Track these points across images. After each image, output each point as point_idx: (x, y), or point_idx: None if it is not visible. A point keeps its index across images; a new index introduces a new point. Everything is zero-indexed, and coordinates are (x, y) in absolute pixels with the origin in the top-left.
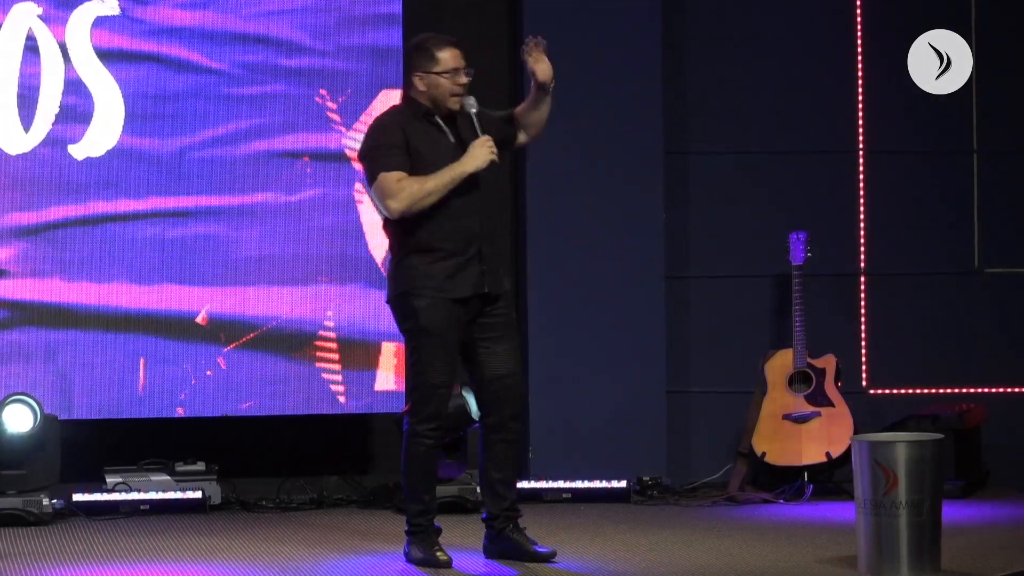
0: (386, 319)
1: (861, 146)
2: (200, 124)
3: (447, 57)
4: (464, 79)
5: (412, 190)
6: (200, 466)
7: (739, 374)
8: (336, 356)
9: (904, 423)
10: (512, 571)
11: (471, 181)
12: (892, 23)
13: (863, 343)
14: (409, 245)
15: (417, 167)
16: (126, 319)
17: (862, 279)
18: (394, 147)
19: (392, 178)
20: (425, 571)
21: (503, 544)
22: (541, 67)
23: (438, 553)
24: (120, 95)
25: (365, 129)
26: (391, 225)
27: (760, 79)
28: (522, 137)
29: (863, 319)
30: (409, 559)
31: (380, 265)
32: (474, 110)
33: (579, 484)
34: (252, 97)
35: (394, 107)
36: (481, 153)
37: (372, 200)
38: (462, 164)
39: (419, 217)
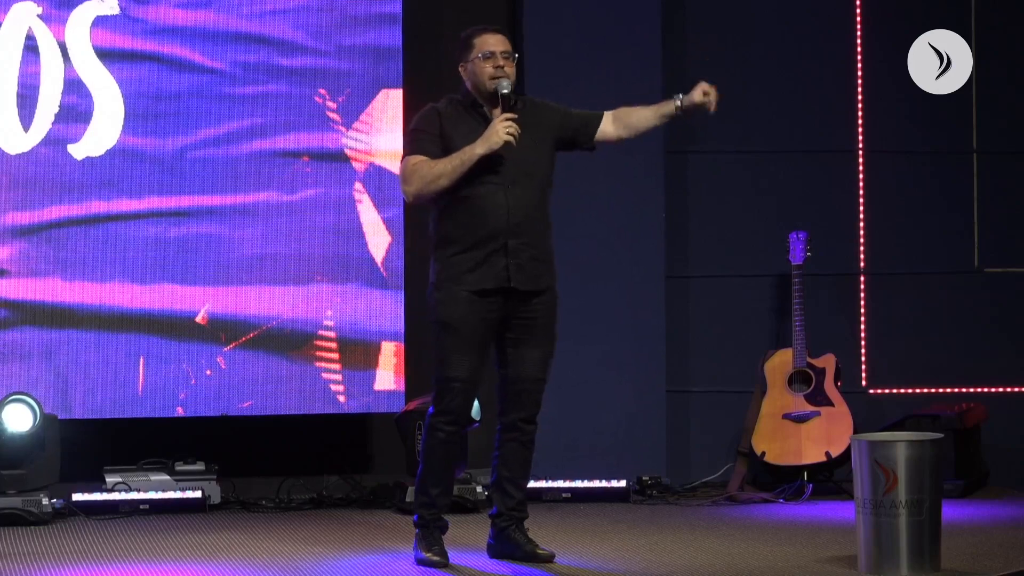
0: (385, 318)
1: (861, 146)
2: (199, 124)
3: (481, 42)
4: (501, 61)
5: (422, 172)
6: (200, 466)
7: (739, 374)
8: (336, 356)
9: (904, 423)
10: (512, 570)
11: (509, 174)
12: (892, 23)
13: (863, 343)
14: (438, 236)
15: (453, 151)
16: (125, 319)
17: (862, 279)
18: (424, 132)
19: (411, 162)
20: (426, 569)
21: (504, 544)
22: (711, 101)
23: (431, 552)
24: (119, 94)
25: (364, 129)
26: (429, 215)
27: (760, 79)
28: (613, 133)
29: (863, 319)
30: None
31: (379, 264)
32: (505, 91)
33: (579, 484)
34: (251, 97)
35: (447, 96)
36: (493, 134)
37: None
38: (473, 146)
39: (448, 207)
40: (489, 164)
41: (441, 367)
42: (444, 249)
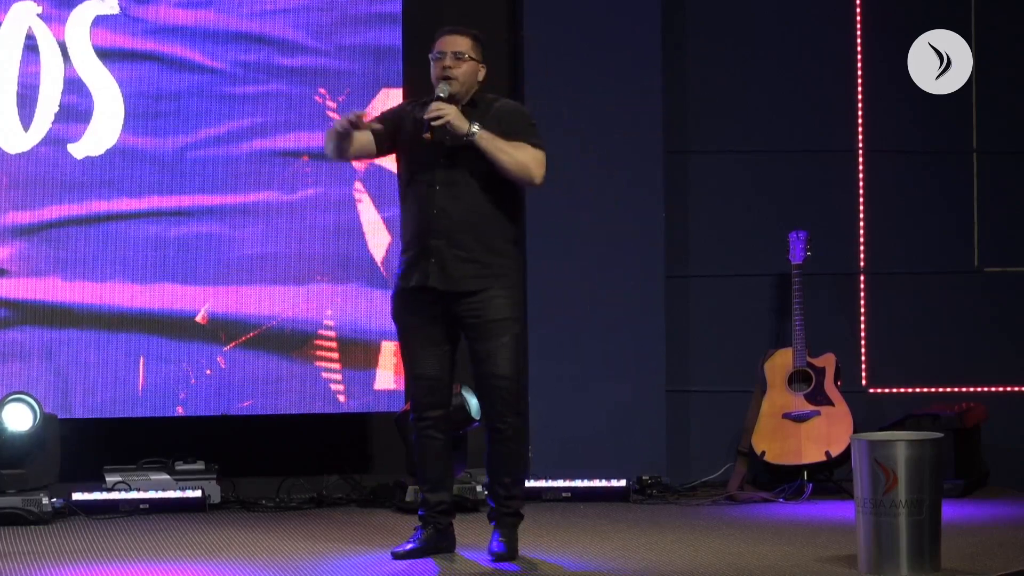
0: (385, 318)
1: (861, 145)
2: (199, 123)
3: (438, 42)
4: (448, 62)
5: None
6: (200, 465)
7: (739, 373)
8: (335, 355)
9: (904, 422)
10: (511, 570)
11: (441, 175)
12: (892, 23)
13: (863, 342)
14: None
15: (399, 147)
16: (125, 318)
17: (862, 278)
18: (382, 114)
19: None
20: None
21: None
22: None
23: (404, 544)
24: (119, 94)
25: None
26: None
27: (760, 78)
28: None
29: (863, 318)
30: None
31: (379, 264)
32: (441, 95)
33: (579, 483)
34: (251, 96)
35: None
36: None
37: None
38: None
39: (401, 206)
40: (423, 164)
41: (403, 364)
42: (402, 245)
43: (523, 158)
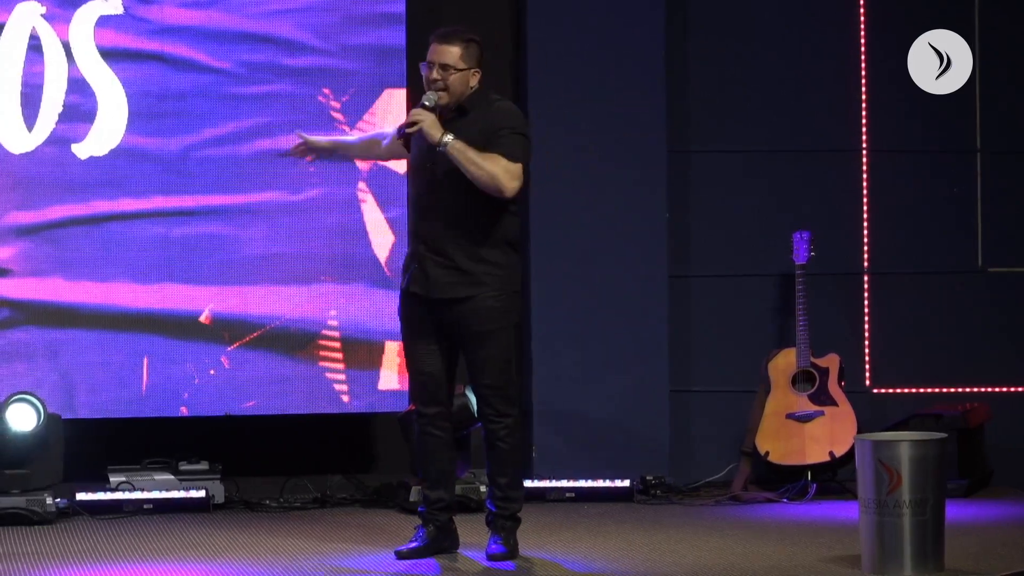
0: (389, 318)
1: (864, 145)
2: (204, 123)
3: (429, 50)
4: (435, 75)
5: None
6: (203, 465)
7: (742, 373)
8: (339, 355)
9: (907, 422)
10: (512, 569)
11: (430, 180)
12: (896, 22)
13: (866, 342)
14: None
15: (409, 157)
16: (129, 318)
17: (865, 278)
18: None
19: None
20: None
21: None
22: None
23: (408, 544)
24: (123, 94)
25: (368, 128)
26: None
27: (763, 78)
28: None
29: (866, 318)
30: None
31: (383, 264)
32: (426, 104)
33: (582, 483)
34: (256, 96)
35: None
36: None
37: None
38: None
39: None
40: (415, 170)
41: (406, 361)
42: None
43: (492, 169)
